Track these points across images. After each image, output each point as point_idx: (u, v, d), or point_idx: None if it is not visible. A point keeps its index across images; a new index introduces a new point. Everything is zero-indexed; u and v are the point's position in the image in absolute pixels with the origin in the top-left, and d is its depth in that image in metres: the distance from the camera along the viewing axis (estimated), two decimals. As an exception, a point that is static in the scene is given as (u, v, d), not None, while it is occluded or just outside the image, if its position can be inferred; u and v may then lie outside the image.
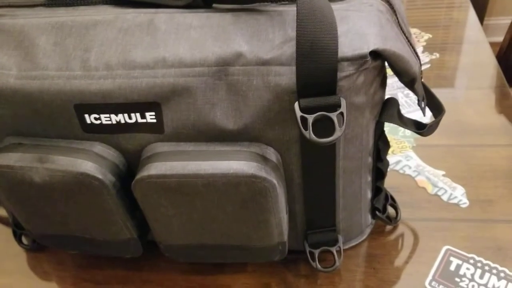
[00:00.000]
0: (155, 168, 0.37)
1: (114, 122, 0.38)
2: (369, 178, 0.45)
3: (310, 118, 0.34)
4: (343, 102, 0.34)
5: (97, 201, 0.40)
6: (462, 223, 0.50)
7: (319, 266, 0.45)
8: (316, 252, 0.46)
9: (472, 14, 0.82)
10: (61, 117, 0.39)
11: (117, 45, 0.38)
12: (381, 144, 0.44)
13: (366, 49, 0.34)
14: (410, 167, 0.56)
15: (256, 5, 0.38)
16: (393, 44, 0.36)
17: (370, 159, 0.43)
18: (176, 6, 0.39)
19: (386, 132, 0.61)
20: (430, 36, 0.77)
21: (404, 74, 0.39)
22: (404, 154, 0.58)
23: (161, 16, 0.38)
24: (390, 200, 0.50)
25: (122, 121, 0.38)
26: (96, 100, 0.37)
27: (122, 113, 0.38)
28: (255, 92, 0.36)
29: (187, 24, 0.38)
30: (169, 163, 0.37)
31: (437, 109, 0.48)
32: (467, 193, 0.53)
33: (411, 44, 0.43)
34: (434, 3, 0.86)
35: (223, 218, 0.39)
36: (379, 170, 0.45)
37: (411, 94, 0.67)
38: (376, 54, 0.35)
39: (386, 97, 0.42)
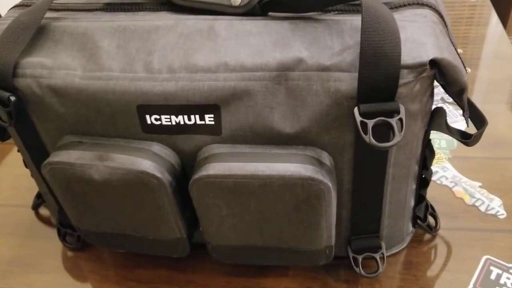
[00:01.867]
0: (214, 168, 0.38)
1: (174, 123, 0.40)
2: (414, 186, 0.46)
3: (370, 123, 0.35)
4: (402, 109, 0.35)
5: (153, 199, 0.41)
6: (501, 233, 0.50)
7: (362, 271, 0.46)
8: (360, 258, 0.46)
9: (501, 31, 0.83)
10: (123, 117, 0.40)
11: (179, 49, 0.39)
12: (428, 153, 0.45)
13: (426, 57, 0.35)
14: (447, 178, 0.57)
15: (312, 14, 0.40)
16: (448, 54, 0.37)
17: (416, 167, 0.44)
18: (234, 14, 0.41)
19: (422, 143, 0.62)
20: (461, 51, 0.78)
21: (456, 84, 0.40)
22: (440, 165, 0.59)
23: (221, 23, 0.40)
24: (430, 209, 0.51)
25: (182, 122, 0.39)
26: (159, 101, 0.39)
27: (183, 114, 0.39)
28: (314, 97, 0.37)
29: (246, 30, 0.39)
30: (227, 164, 0.38)
31: (480, 120, 0.49)
32: (504, 204, 0.53)
33: (459, 55, 0.44)
34: (464, 20, 0.87)
35: (276, 220, 0.40)
36: (424, 178, 0.46)
37: (449, 105, 0.68)
38: (433, 63, 0.36)
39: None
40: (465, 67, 0.44)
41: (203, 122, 0.39)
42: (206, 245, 0.45)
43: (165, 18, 0.41)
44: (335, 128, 0.38)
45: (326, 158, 0.39)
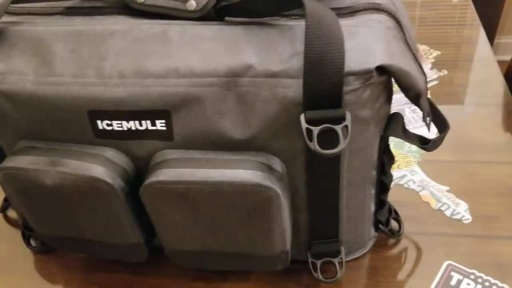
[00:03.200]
0: (164, 174, 0.38)
1: (125, 128, 0.39)
2: (373, 191, 0.46)
3: (316, 130, 0.35)
4: (348, 115, 0.35)
5: (106, 205, 0.41)
6: (464, 238, 0.50)
7: (321, 276, 0.46)
8: (319, 262, 0.46)
9: (481, 33, 0.82)
10: (74, 122, 0.40)
11: (132, 54, 0.39)
12: (386, 158, 0.44)
13: (372, 64, 0.35)
14: (414, 182, 0.57)
15: (267, 19, 0.40)
16: (399, 60, 0.37)
17: (374, 172, 0.44)
18: (189, 18, 0.41)
19: (392, 147, 0.61)
20: (439, 53, 0.78)
21: (410, 89, 0.40)
22: (409, 168, 0.58)
23: (175, 28, 0.40)
24: (393, 213, 0.51)
25: (133, 128, 0.39)
26: (109, 107, 0.38)
27: (134, 120, 0.39)
28: (263, 103, 0.37)
29: (200, 35, 0.39)
30: (177, 170, 0.38)
31: (442, 125, 0.49)
32: (470, 209, 0.53)
33: (417, 61, 0.43)
34: (444, 21, 0.87)
35: (229, 225, 0.40)
36: (383, 183, 0.46)
37: (418, 110, 0.67)
38: (382, 70, 0.36)
39: (392, 111, 0.43)
40: (423, 73, 0.44)
41: (154, 128, 0.39)
42: (164, 251, 0.45)
43: (121, 23, 0.41)
44: (285, 135, 0.38)
45: (277, 164, 0.39)
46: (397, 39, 0.39)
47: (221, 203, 0.39)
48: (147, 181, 0.38)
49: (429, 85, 0.72)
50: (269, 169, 0.38)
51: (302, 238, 0.46)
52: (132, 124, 0.39)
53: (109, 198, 0.40)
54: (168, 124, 0.39)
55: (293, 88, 0.36)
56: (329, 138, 0.35)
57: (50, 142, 0.42)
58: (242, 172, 0.37)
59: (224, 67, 0.37)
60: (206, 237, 0.42)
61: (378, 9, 0.40)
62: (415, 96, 0.41)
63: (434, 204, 0.54)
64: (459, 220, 0.52)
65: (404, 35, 0.42)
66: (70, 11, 0.44)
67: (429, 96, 0.69)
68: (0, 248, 0.55)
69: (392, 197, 0.54)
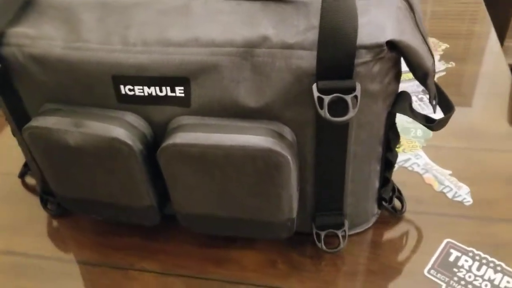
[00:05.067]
0: (180, 137, 0.40)
1: (146, 94, 0.42)
2: (378, 167, 0.48)
3: (327, 98, 0.37)
4: (358, 87, 0.37)
5: (124, 166, 0.43)
6: (465, 219, 0.52)
7: (324, 246, 0.48)
8: (322, 233, 0.48)
9: (489, 27, 0.84)
10: (99, 87, 0.42)
11: (155, 24, 0.41)
12: (392, 135, 0.46)
13: (383, 38, 0.37)
14: (418, 165, 0.59)
15: (283, -4, 0.42)
16: (409, 38, 0.39)
17: (380, 148, 0.46)
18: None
19: (400, 130, 0.63)
20: (448, 46, 0.80)
21: (418, 68, 0.42)
22: (414, 152, 0.60)
23: (196, 1, 0.42)
24: (397, 192, 0.53)
25: (154, 94, 0.42)
26: (132, 72, 0.41)
27: (154, 86, 0.41)
28: (277, 73, 0.39)
29: (219, 9, 0.41)
30: (193, 134, 0.40)
31: (448, 107, 0.50)
32: (472, 192, 0.55)
33: (426, 42, 0.45)
34: (454, 16, 0.88)
35: (239, 190, 0.42)
36: (388, 160, 0.48)
37: (425, 98, 0.69)
38: (392, 45, 0.38)
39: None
40: (432, 54, 0.45)
41: (174, 94, 0.41)
42: (176, 215, 0.48)
43: (143, -6, 0.43)
44: (297, 104, 0.40)
45: (288, 133, 0.41)
46: (407, 19, 0.41)
47: (233, 167, 0.41)
48: (164, 144, 0.41)
49: (438, 75, 0.74)
50: (280, 136, 0.40)
51: (308, 209, 0.48)
52: (153, 90, 0.41)
53: (127, 159, 0.43)
54: (187, 91, 0.41)
55: (307, 60, 0.38)
56: (339, 107, 0.37)
57: (74, 105, 0.44)
58: (254, 137, 0.39)
59: (241, 38, 0.39)
60: (218, 202, 0.44)
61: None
62: (423, 76, 0.43)
63: (437, 187, 0.56)
64: (461, 202, 0.54)
65: (415, 16, 0.44)
66: (97, -16, 0.47)
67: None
68: (18, 210, 0.57)
69: (396, 178, 0.56)
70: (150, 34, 0.41)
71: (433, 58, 0.46)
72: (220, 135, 0.40)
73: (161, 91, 0.41)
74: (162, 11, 0.42)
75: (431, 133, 0.63)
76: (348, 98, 0.37)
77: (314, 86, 0.37)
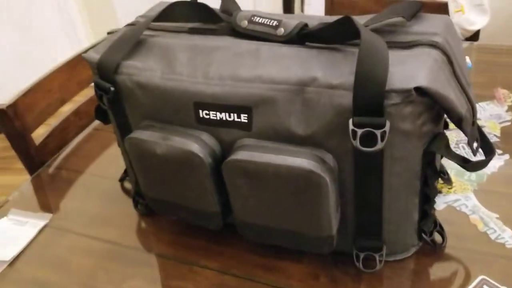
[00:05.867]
0: (240, 155, 0.50)
1: (218, 118, 0.52)
2: (416, 200, 0.53)
3: (359, 131, 0.44)
4: (388, 124, 0.44)
5: (196, 175, 0.53)
6: (503, 260, 0.54)
7: (361, 266, 0.53)
8: (362, 254, 0.54)
9: None
10: (183, 110, 0.53)
11: (230, 63, 0.52)
12: (430, 172, 0.51)
13: (412, 85, 0.44)
14: (467, 206, 0.62)
15: (337, 46, 0.50)
16: (439, 86, 0.45)
17: (417, 183, 0.51)
18: (278, 41, 0.53)
19: (453, 174, 0.67)
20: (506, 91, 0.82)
21: (450, 112, 0.47)
22: (464, 195, 0.64)
23: (265, 47, 0.52)
24: (438, 227, 0.57)
25: (224, 118, 0.52)
26: (209, 100, 0.51)
27: (225, 112, 0.51)
28: (322, 108, 0.47)
29: (282, 54, 0.51)
30: (251, 153, 0.49)
31: (489, 151, 0.55)
32: (516, 236, 0.57)
33: (465, 92, 0.51)
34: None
35: (285, 204, 0.50)
36: (426, 194, 0.53)
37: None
38: (421, 91, 0.44)
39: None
40: (470, 103, 0.50)
41: (239, 120, 0.51)
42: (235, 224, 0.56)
43: (227, 41, 0.54)
44: (338, 135, 0.48)
45: (329, 159, 0.49)
46: (443, 70, 0.47)
47: (281, 184, 0.49)
48: (227, 159, 0.50)
49: (503, 125, 0.76)
50: (322, 161, 0.48)
51: (349, 231, 0.54)
52: (224, 115, 0.52)
53: (199, 169, 0.53)
54: (249, 118, 0.51)
55: (347, 98, 0.46)
56: (370, 140, 0.44)
57: (164, 123, 0.56)
58: (299, 160, 0.47)
59: (295, 77, 0.48)
60: (268, 213, 0.52)
61: (432, 45, 0.48)
62: (457, 120, 0.48)
63: (481, 227, 0.59)
64: (502, 244, 0.56)
65: (454, 69, 0.49)
66: (192, 31, 0.59)
67: (489, 130, 0.74)
68: (114, 207, 0.70)
69: (442, 215, 0.60)
70: (225, 71, 0.51)
71: (471, 106, 0.51)
72: (272, 156, 0.48)
73: (229, 116, 0.51)
74: (237, 54, 0.52)
75: (484, 177, 0.66)
76: (378, 132, 0.44)
77: (350, 121, 0.45)
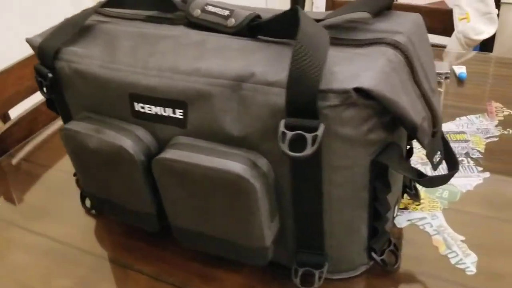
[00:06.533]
0: (169, 153, 0.45)
1: (153, 112, 0.48)
2: (364, 215, 0.48)
3: (289, 134, 0.40)
4: (321, 128, 0.39)
5: (128, 172, 0.50)
6: (462, 288, 0.49)
7: (298, 283, 0.48)
8: (300, 270, 0.49)
9: None
10: (120, 102, 0.50)
11: (172, 54, 0.48)
12: (379, 185, 0.46)
13: (352, 85, 0.39)
14: (431, 226, 0.56)
15: (288, 40, 0.46)
16: (387, 88, 0.40)
17: (364, 195, 0.46)
18: (228, 33, 0.48)
19: (423, 190, 0.62)
20: (511, 112, 0.75)
21: (401, 119, 0.42)
22: (431, 213, 0.58)
23: (213, 38, 0.48)
24: (392, 246, 0.51)
25: (159, 113, 0.48)
26: (144, 92, 0.47)
27: (160, 106, 0.47)
28: (257, 107, 0.43)
29: (228, 46, 0.46)
30: (180, 152, 0.45)
31: (452, 165, 0.49)
32: (479, 262, 0.51)
33: (426, 98, 0.46)
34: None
35: (215, 209, 0.46)
36: (376, 210, 0.48)
37: (465, 162, 0.66)
38: (364, 93, 0.40)
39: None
40: (430, 110, 0.45)
41: (174, 116, 0.47)
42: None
43: (178, 31, 0.50)
44: (273, 138, 0.43)
45: (264, 164, 0.44)
46: (397, 72, 0.42)
47: (209, 187, 0.45)
48: (156, 157, 0.46)
49: (489, 140, 0.70)
50: (254, 165, 0.43)
51: (289, 244, 0.50)
52: (159, 110, 0.48)
53: (130, 166, 0.49)
54: (185, 114, 0.46)
55: (282, 97, 0.41)
56: (301, 145, 0.40)
57: (101, 116, 0.52)
58: (228, 162, 0.43)
59: (233, 72, 0.44)
60: (199, 218, 0.48)
61: (391, 44, 0.43)
62: (411, 129, 0.43)
63: (443, 250, 0.53)
64: (462, 270, 0.51)
65: (414, 72, 0.44)
66: (148, 19, 0.55)
67: (472, 145, 0.68)
68: (64, 203, 0.66)
69: (403, 233, 0.55)
70: (165, 62, 0.47)
71: (432, 114, 0.46)
72: (201, 156, 0.44)
73: (165, 111, 0.47)
74: (182, 44, 0.48)
75: (458, 196, 0.60)
76: (309, 136, 0.39)
77: (282, 122, 0.40)
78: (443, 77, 0.85)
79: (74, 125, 0.52)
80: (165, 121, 0.48)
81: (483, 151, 0.68)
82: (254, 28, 0.48)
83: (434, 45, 1.15)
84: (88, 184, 0.56)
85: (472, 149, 0.68)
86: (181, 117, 0.47)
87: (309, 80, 0.39)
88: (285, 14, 0.45)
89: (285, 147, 0.39)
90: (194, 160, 0.44)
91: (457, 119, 0.75)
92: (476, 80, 0.86)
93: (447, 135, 0.71)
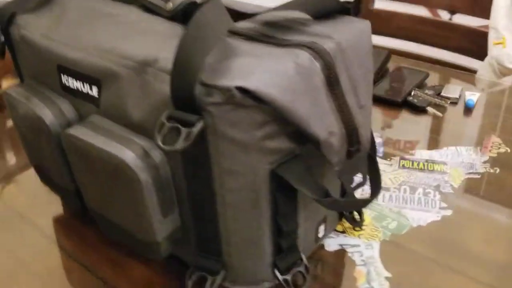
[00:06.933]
0: (74, 129, 0.45)
1: (75, 87, 0.48)
2: (266, 228, 0.44)
3: (167, 125, 0.37)
4: (199, 124, 0.37)
5: (47, 145, 0.50)
6: (363, 328, 0.44)
7: (189, 285, 0.46)
8: (196, 274, 0.47)
9: None
10: (52, 73, 0.50)
11: (104, 32, 0.47)
12: (281, 197, 0.43)
13: (235, 84, 0.36)
14: (361, 255, 0.51)
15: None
16: (282, 94, 0.37)
17: (265, 207, 0.43)
18: (166, 16, 0.47)
19: (371, 216, 0.57)
20: (508, 150, 0.67)
21: (301, 130, 0.39)
22: (368, 242, 0.53)
23: (146, 19, 0.47)
24: (303, 268, 0.47)
25: (80, 88, 0.47)
26: (68, 65, 0.47)
27: (80, 81, 0.47)
28: (155, 94, 0.41)
29: (155, 29, 0.45)
30: (83, 129, 0.45)
31: (372, 194, 0.45)
32: (395, 305, 0.46)
33: (344, 113, 0.41)
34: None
35: (113, 195, 0.45)
36: (279, 225, 0.44)
37: (430, 194, 0.60)
38: (250, 94, 0.36)
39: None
40: (351, 132, 0.41)
41: (92, 93, 0.46)
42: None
43: (126, 10, 0.49)
44: (166, 128, 0.41)
45: (157, 155, 0.42)
46: (304, 78, 0.39)
47: (104, 171, 0.43)
48: (64, 130, 0.46)
49: (469, 176, 0.62)
50: (146, 155, 0.41)
51: (192, 244, 0.47)
52: (79, 85, 0.47)
53: (47, 139, 0.49)
54: (99, 93, 0.46)
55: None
56: (175, 137, 0.37)
57: (40, 85, 0.53)
58: (121, 149, 0.41)
59: (142, 55, 0.42)
60: (102, 201, 0.47)
61: (311, 48, 0.40)
62: (314, 143, 0.40)
63: (361, 283, 0.48)
64: (373, 309, 0.46)
65: (332, 81, 0.41)
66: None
67: (448, 179, 0.61)
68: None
69: (330, 257, 0.51)
70: (94, 38, 0.47)
71: (349, 132, 0.42)
72: (99, 138, 0.43)
73: (84, 87, 0.47)
74: (119, 23, 0.47)
75: (405, 229, 0.55)
76: (184, 130, 0.37)
77: (165, 112, 0.38)
78: (448, 102, 0.78)
79: (12, 90, 0.53)
80: (84, 97, 0.48)
81: (457, 186, 0.61)
82: (188, 14, 0.46)
83: (462, 68, 1.06)
84: (27, 151, 0.57)
85: (446, 182, 0.62)
86: (96, 95, 0.46)
87: (190, 71, 0.36)
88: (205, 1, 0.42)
89: (158, 138, 0.37)
90: (91, 140, 0.43)
91: (445, 148, 0.68)
92: (486, 110, 0.78)
93: (425, 163, 0.65)
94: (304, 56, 0.39)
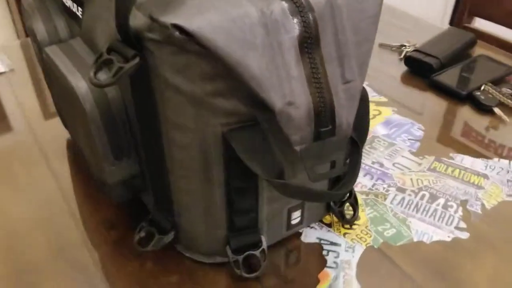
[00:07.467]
0: (49, 48, 0.43)
1: (68, 5, 0.45)
2: (216, 199, 0.39)
3: (104, 56, 0.33)
4: (134, 61, 0.32)
5: (39, 61, 0.49)
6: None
7: (136, 240, 0.43)
8: (145, 228, 0.43)
9: None
10: None
11: None
12: (234, 167, 0.37)
13: (173, 21, 0.30)
14: (337, 256, 0.44)
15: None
16: (229, 41, 0.30)
17: (217, 172, 0.37)
18: None
19: (369, 216, 0.49)
20: None
21: (253, 93, 0.32)
22: (352, 244, 0.45)
23: None
24: (259, 253, 0.42)
25: (71, 8, 0.45)
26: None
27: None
28: (114, 22, 0.37)
29: None
30: (56, 49, 0.43)
31: (341, 189, 0.37)
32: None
33: (317, 82, 0.34)
34: None
35: (75, 122, 0.44)
36: (231, 199, 0.39)
37: (452, 209, 0.49)
38: (188, 34, 0.30)
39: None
40: (325, 104, 0.34)
41: (79, 13, 0.44)
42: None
43: None
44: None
45: (110, 89, 0.38)
46: (268, 31, 0.32)
47: (66, 95, 0.41)
48: (44, 47, 0.44)
49: (508, 198, 0.51)
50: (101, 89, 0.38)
51: (151, 194, 0.44)
52: (70, 3, 0.45)
53: (39, 55, 0.48)
54: (82, 13, 0.43)
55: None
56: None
57: (52, 1, 0.51)
58: (77, 76, 0.39)
59: None
60: (72, 126, 0.46)
61: (294, 2, 0.33)
62: (268, 109, 0.33)
63: (324, 286, 0.42)
64: (320, 320, 0.39)
65: (307, 42, 0.33)
66: None
67: (482, 196, 0.50)
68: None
69: (300, 248, 0.45)
70: None
71: (319, 105, 0.34)
72: (66, 61, 0.41)
73: (73, 6, 0.44)
74: None
75: (402, 241, 0.46)
76: (116, 65, 0.32)
77: (108, 42, 0.34)
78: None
79: (29, 1, 0.52)
80: (74, 17, 0.45)
81: (488, 208, 0.50)
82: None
83: None
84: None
85: (477, 199, 0.51)
86: (80, 15, 0.43)
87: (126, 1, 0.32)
88: None
89: (92, 69, 0.33)
90: (58, 62, 0.41)
91: (495, 159, 0.56)
92: None
93: (461, 171, 0.54)
94: (277, 6, 0.32)
